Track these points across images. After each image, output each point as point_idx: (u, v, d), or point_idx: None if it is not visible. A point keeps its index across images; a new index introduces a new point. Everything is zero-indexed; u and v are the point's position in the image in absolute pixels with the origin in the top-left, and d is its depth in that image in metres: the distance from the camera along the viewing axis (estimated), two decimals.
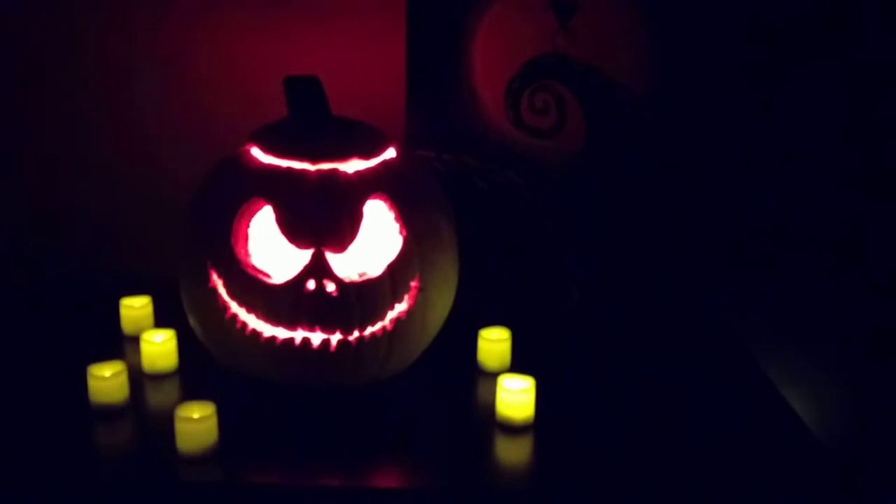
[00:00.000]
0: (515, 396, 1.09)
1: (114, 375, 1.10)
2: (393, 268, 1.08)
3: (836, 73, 1.36)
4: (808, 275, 1.46)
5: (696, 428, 1.12)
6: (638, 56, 1.33)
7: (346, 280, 1.06)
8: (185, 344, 1.20)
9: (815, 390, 1.48)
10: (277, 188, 1.07)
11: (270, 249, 1.08)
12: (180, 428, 1.01)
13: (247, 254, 1.08)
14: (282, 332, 1.06)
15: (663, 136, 1.35)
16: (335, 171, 1.08)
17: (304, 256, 1.06)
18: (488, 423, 1.11)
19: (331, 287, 1.05)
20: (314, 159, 1.08)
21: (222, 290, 1.08)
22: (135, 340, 1.25)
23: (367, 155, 1.11)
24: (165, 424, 1.03)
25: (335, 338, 1.06)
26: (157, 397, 1.17)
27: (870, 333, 1.48)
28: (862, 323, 1.48)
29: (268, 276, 1.07)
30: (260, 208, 1.07)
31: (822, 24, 1.33)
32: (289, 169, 1.08)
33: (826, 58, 1.35)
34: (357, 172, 1.09)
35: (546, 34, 1.33)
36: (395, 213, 1.10)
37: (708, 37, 1.32)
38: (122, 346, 1.29)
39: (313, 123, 1.14)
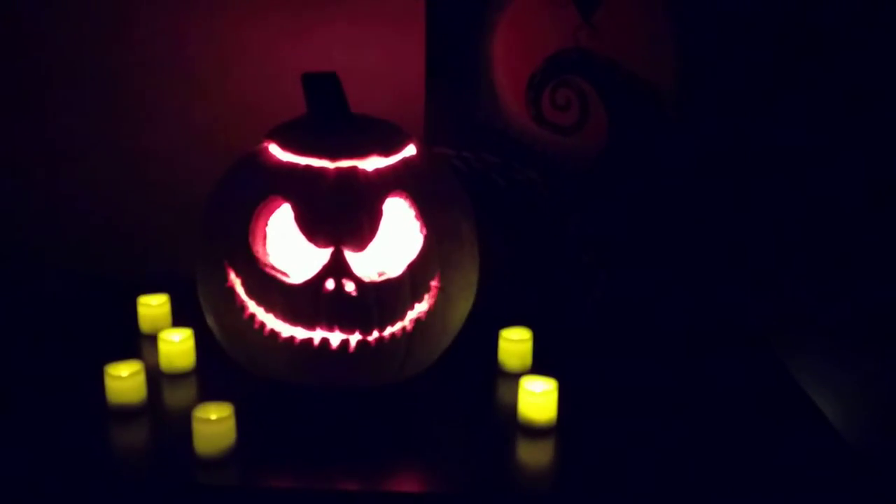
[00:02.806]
0: (537, 398, 1.07)
1: (131, 375, 1.09)
2: (413, 267, 1.07)
3: (869, 69, 1.33)
4: (837, 276, 1.44)
5: (721, 431, 1.10)
6: (662, 51, 1.31)
7: (366, 280, 1.04)
8: (203, 343, 1.19)
9: (843, 395, 1.45)
10: (296, 186, 1.06)
11: (289, 248, 1.07)
12: (197, 429, 0.99)
13: (265, 252, 1.06)
14: (300, 333, 1.05)
15: (687, 134, 1.33)
16: (354, 168, 1.07)
17: (322, 255, 1.04)
18: (510, 425, 1.09)
19: (350, 287, 1.03)
20: (333, 157, 1.07)
21: (240, 290, 1.06)
22: (152, 339, 1.25)
23: (386, 152, 1.09)
24: (183, 425, 1.02)
25: (354, 338, 1.05)
26: (174, 397, 1.16)
27: None
28: (891, 325, 1.45)
29: (286, 275, 1.05)
30: (278, 206, 1.06)
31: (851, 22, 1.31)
32: (307, 166, 1.07)
33: (857, 53, 1.33)
34: (376, 170, 1.07)
35: (568, 29, 1.31)
36: (416, 211, 1.08)
37: (733, 32, 1.29)
38: (139, 345, 1.28)
39: (332, 120, 1.13)
